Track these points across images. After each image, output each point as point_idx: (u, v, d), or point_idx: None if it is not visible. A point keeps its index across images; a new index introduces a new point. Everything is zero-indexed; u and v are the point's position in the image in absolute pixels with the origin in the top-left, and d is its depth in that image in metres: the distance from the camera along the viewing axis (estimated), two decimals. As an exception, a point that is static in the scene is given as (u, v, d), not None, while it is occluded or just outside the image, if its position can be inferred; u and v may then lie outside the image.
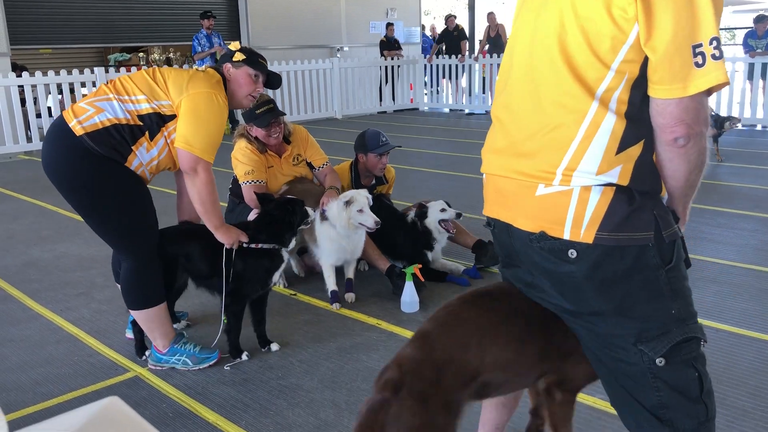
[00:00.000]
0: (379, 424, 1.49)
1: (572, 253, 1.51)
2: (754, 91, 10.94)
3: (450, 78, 14.26)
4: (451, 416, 1.55)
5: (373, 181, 4.65)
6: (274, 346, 3.36)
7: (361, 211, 3.78)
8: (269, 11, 14.21)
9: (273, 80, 3.31)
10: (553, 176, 1.51)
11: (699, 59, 1.36)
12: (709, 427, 1.59)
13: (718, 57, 1.36)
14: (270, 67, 3.31)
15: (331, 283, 3.96)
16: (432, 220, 4.18)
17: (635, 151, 1.47)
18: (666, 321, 1.52)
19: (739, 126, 7.87)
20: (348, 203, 3.80)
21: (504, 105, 1.68)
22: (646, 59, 1.42)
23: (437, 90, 14.72)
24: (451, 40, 14.35)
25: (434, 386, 1.53)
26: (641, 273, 1.50)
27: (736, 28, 25.04)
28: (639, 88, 1.45)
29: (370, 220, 3.78)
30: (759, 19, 11.00)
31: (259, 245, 3.20)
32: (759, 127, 10.77)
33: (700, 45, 1.35)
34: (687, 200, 1.58)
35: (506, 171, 1.63)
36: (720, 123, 7.65)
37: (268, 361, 3.25)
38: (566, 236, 1.50)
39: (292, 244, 3.34)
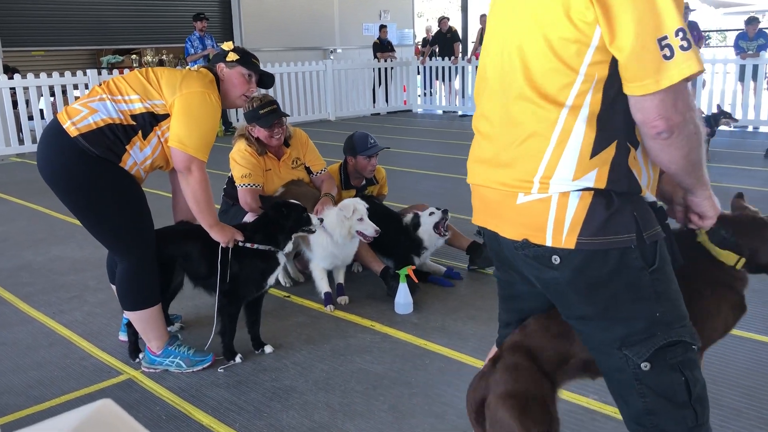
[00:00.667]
0: (482, 388, 1.76)
1: (555, 259, 1.51)
2: (745, 93, 11.00)
3: (443, 80, 14.29)
4: (544, 388, 1.72)
5: (363, 182, 4.65)
6: (268, 348, 3.35)
7: (361, 219, 3.82)
8: (262, 13, 14.20)
9: (266, 80, 3.31)
10: (531, 185, 1.51)
11: (667, 51, 1.34)
12: None
13: (687, 47, 1.34)
14: (263, 69, 3.31)
15: (323, 286, 3.96)
16: (426, 228, 4.17)
17: (609, 153, 1.46)
18: (650, 324, 1.51)
19: (731, 126, 7.86)
20: (346, 213, 3.82)
21: (482, 116, 1.69)
22: (614, 57, 1.40)
23: (430, 92, 14.74)
24: (445, 42, 14.38)
25: (527, 360, 1.73)
26: (624, 275, 1.49)
27: (727, 30, 25.18)
28: (610, 88, 1.43)
29: (370, 228, 3.83)
30: (750, 21, 11.07)
31: (255, 245, 3.19)
32: (750, 128, 10.83)
33: (665, 38, 1.34)
34: (698, 173, 1.54)
35: (488, 181, 1.64)
36: (715, 120, 7.67)
37: (261, 364, 3.24)
38: (548, 243, 1.50)
39: (288, 247, 3.34)
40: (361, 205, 3.87)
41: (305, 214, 3.36)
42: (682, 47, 1.34)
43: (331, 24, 15.42)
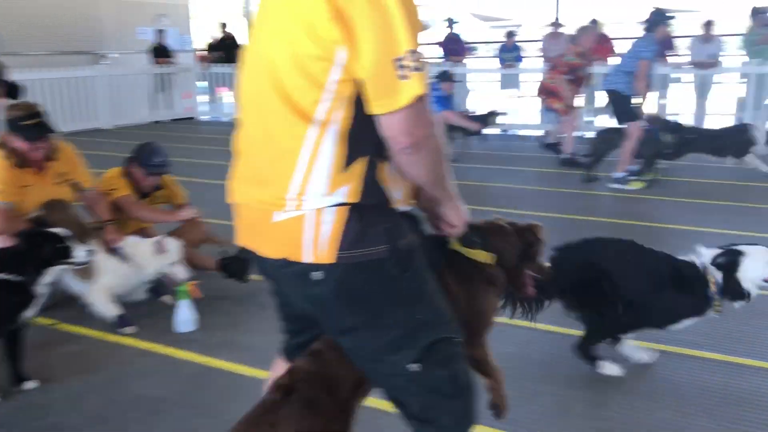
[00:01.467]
0: (268, 423, 1.62)
1: (316, 275, 1.54)
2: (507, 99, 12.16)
3: (230, 86, 14.02)
4: (340, 424, 1.68)
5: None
6: (30, 384, 3.04)
7: (173, 263, 3.72)
8: (21, 14, 12.89)
9: (13, 91, 3.01)
10: (284, 202, 1.53)
11: (402, 72, 1.42)
12: (471, 419, 1.70)
13: (420, 69, 1.43)
14: (25, 75, 3.00)
15: (113, 309, 3.67)
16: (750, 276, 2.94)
17: (359, 168, 1.52)
18: (413, 327, 1.59)
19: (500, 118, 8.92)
20: (160, 252, 3.70)
21: (242, 134, 1.69)
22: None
23: (215, 99, 14.40)
24: (226, 48, 14.11)
25: (325, 394, 1.66)
26: (383, 284, 1.56)
27: (492, 42, 27.48)
28: (357, 105, 1.49)
29: (183, 273, 3.73)
30: (509, 35, 12.20)
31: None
32: (509, 132, 11.91)
33: (401, 59, 1.42)
34: (444, 186, 1.66)
35: (248, 199, 1.64)
36: (489, 119, 8.60)
37: (25, 400, 2.95)
38: (307, 259, 1.53)
39: (47, 279, 3.01)
40: (175, 247, 3.74)
41: (62, 245, 3.02)
42: (415, 68, 1.42)
43: (99, 27, 14.42)
